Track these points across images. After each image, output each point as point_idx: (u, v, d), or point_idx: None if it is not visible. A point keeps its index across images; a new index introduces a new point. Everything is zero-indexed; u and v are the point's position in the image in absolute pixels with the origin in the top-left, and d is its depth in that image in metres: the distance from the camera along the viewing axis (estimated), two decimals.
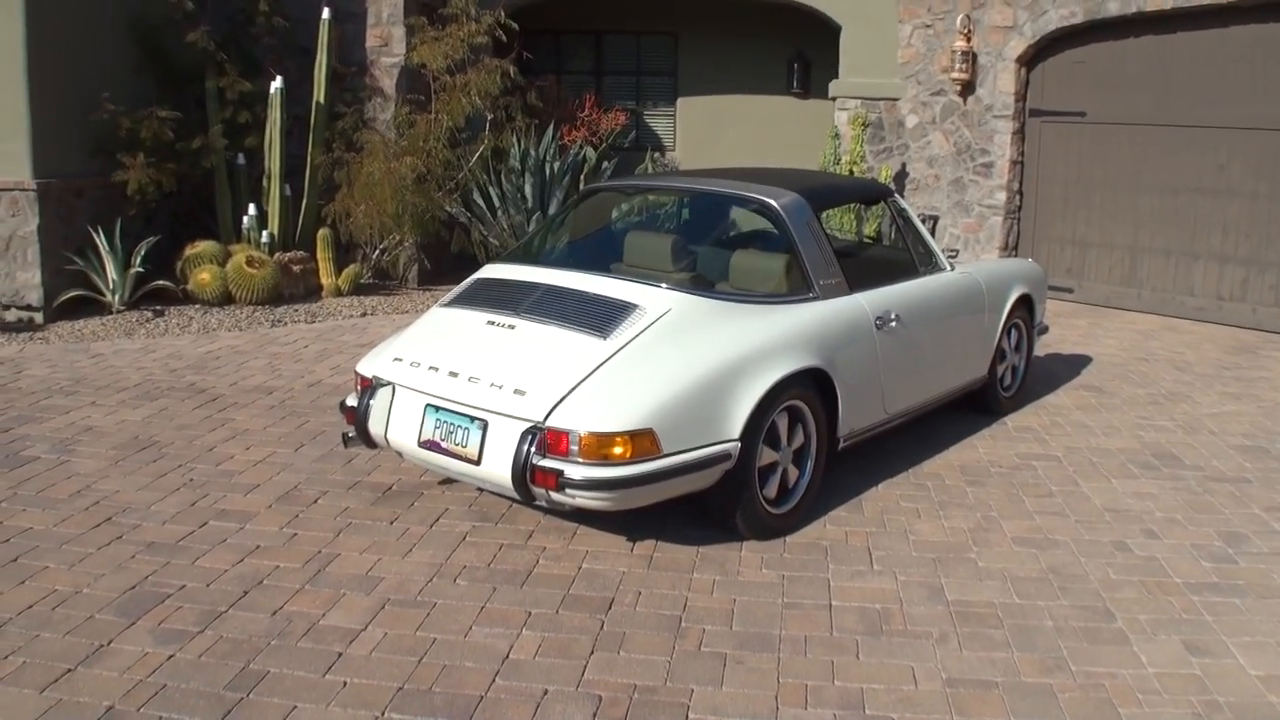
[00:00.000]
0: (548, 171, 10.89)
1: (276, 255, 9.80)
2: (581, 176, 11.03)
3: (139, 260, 9.17)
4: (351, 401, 5.17)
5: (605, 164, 11.53)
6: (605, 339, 4.70)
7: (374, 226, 10.03)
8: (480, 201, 10.72)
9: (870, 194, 6.55)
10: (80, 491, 5.27)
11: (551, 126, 11.19)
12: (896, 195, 6.44)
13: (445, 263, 11.09)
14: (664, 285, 5.08)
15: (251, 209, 9.88)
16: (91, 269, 9.03)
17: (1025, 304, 6.96)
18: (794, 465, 5.08)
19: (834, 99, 11.82)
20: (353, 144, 10.17)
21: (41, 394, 6.84)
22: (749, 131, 13.46)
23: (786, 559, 4.72)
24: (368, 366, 5.14)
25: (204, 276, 9.37)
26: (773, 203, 5.47)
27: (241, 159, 10.20)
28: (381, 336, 8.59)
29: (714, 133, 13.56)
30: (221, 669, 3.74)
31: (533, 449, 4.36)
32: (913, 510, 5.30)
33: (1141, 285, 10.40)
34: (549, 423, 4.37)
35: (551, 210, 10.61)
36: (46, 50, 8.71)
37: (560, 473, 4.30)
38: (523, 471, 4.36)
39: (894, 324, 5.59)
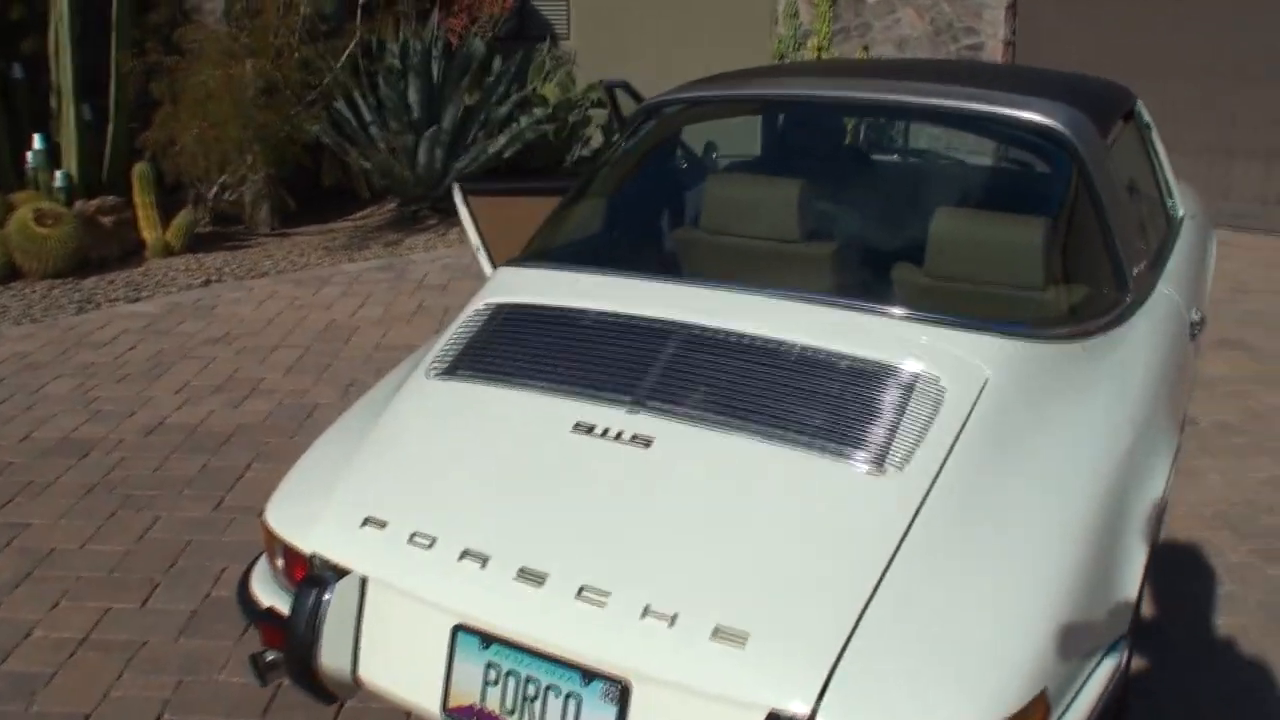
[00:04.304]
0: (435, 72, 8.43)
1: (77, 205, 7.26)
2: (467, 77, 8.63)
3: None
4: (265, 595, 2.49)
5: (498, 59, 9.08)
6: (882, 469, 2.17)
7: (211, 157, 7.55)
8: (350, 115, 8.20)
9: (1124, 102, 3.76)
10: None
11: (435, 11, 8.71)
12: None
13: (310, 200, 8.55)
14: (944, 319, 2.50)
15: (37, 141, 7.39)
16: None
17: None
18: None
19: None
20: (173, 45, 7.62)
21: None
22: (660, 13, 11.12)
23: None
24: (301, 530, 2.39)
25: None
26: (1058, 126, 2.99)
27: (19, 70, 7.66)
28: (240, 323, 6.08)
29: (617, 14, 11.19)
30: None
31: None
32: (1260, 656, 3.14)
33: None
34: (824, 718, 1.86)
35: (446, 123, 8.17)
36: None
37: None
38: None
39: (1198, 325, 3.41)
